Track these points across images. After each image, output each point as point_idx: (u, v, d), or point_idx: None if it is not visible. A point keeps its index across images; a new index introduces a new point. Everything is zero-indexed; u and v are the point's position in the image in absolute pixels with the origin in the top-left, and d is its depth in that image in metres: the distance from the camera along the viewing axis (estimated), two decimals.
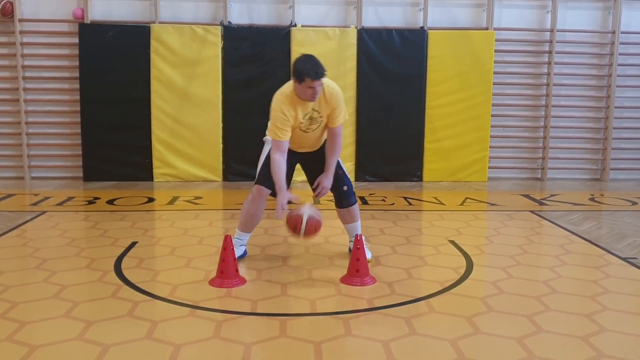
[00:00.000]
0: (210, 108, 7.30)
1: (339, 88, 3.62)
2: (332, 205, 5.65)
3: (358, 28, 7.39)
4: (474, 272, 3.67)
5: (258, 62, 7.30)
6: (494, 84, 7.54)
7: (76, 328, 2.70)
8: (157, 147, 7.31)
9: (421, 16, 7.53)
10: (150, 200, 6.19)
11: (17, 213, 5.32)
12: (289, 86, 3.52)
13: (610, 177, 7.97)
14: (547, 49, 7.76)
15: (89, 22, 7.25)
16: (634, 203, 6.24)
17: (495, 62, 7.49)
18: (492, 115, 7.59)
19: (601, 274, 3.66)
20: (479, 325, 2.80)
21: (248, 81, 7.30)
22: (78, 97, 7.30)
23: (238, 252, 3.79)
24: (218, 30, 7.22)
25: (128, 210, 5.54)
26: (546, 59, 7.77)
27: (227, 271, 3.36)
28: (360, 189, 6.76)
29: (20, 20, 7.29)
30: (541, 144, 7.94)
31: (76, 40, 7.24)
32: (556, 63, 7.72)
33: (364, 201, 6.03)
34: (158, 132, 7.28)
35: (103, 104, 7.22)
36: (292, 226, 3.46)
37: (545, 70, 7.80)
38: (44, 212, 5.34)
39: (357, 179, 7.42)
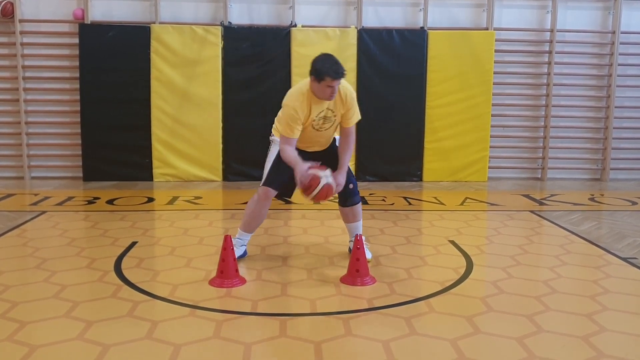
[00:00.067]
0: (210, 108, 7.30)
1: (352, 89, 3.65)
2: (333, 205, 5.66)
3: (358, 28, 7.39)
4: (474, 272, 3.67)
5: (258, 62, 7.31)
6: (494, 84, 7.54)
7: (76, 328, 2.70)
8: (157, 147, 7.31)
9: (421, 16, 7.54)
10: (150, 200, 6.19)
11: (17, 213, 5.32)
12: (305, 84, 3.53)
13: (610, 177, 7.97)
14: (547, 49, 7.76)
15: (89, 22, 7.25)
16: (634, 203, 6.24)
17: (495, 62, 7.49)
18: (492, 115, 7.59)
19: (601, 274, 3.66)
20: (479, 325, 2.80)
21: (248, 81, 7.30)
22: (78, 97, 7.30)
23: (238, 252, 3.79)
24: (218, 31, 7.22)
25: (128, 210, 5.54)
26: (546, 59, 7.77)
27: (227, 271, 3.36)
28: (360, 188, 6.72)
29: (21, 21, 7.29)
30: (541, 144, 7.95)
31: (76, 40, 7.24)
32: (556, 63, 7.72)
33: (363, 201, 6.02)
34: (158, 132, 7.28)
35: (103, 104, 7.22)
36: (307, 185, 3.40)
37: (545, 70, 7.81)
38: (44, 212, 5.34)
39: (357, 178, 7.37)
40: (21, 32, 7.32)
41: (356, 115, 3.69)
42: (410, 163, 7.58)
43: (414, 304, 3.09)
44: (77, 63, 7.25)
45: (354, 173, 4.55)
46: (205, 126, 7.32)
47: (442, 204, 6.07)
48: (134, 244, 4.25)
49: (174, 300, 3.09)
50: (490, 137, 7.62)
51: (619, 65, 7.77)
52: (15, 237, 4.46)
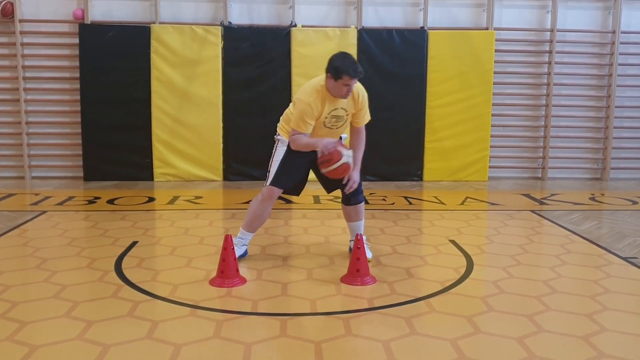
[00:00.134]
0: (211, 108, 7.30)
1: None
2: (333, 205, 5.66)
3: (358, 28, 7.39)
4: (475, 271, 3.67)
5: (258, 62, 7.31)
6: (494, 83, 7.54)
7: (76, 328, 2.70)
8: (158, 147, 7.31)
9: (421, 16, 7.53)
10: (151, 199, 6.19)
11: (18, 213, 5.33)
12: (319, 81, 3.54)
13: (611, 177, 7.97)
14: (547, 48, 7.76)
15: (89, 22, 7.25)
16: (635, 202, 6.24)
17: (496, 62, 7.49)
18: (493, 115, 7.59)
19: (601, 274, 3.65)
20: (479, 325, 2.79)
21: (248, 81, 7.31)
22: (78, 97, 7.30)
23: (239, 251, 3.79)
24: (218, 31, 7.22)
25: (128, 209, 5.54)
26: (546, 59, 7.77)
27: (227, 271, 3.36)
28: None
29: (21, 21, 7.29)
30: (541, 144, 7.94)
31: (76, 40, 7.24)
32: (556, 63, 7.72)
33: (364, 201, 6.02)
34: (158, 132, 7.28)
35: (103, 104, 7.22)
36: (328, 157, 3.42)
37: (546, 70, 7.80)
38: (44, 212, 5.35)
39: None
40: (21, 32, 7.32)
41: (367, 116, 3.76)
42: (410, 163, 7.59)
43: (414, 303, 3.09)
44: (77, 63, 7.26)
45: None
46: (206, 126, 7.32)
47: (443, 203, 6.07)
48: (134, 243, 4.25)
49: (175, 300, 3.09)
50: (491, 136, 7.62)
51: (619, 65, 7.76)
52: (15, 237, 4.46)
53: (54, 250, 4.05)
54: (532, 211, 5.68)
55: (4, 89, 7.45)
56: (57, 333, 2.65)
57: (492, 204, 6.18)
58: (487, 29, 7.54)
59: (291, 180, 3.74)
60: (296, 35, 7.25)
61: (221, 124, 7.36)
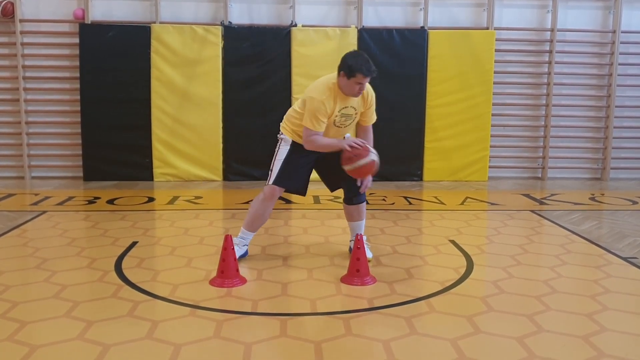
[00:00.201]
0: (211, 108, 7.30)
1: None
2: (333, 205, 5.66)
3: (358, 28, 7.39)
4: (475, 271, 3.67)
5: (258, 62, 7.31)
6: (495, 83, 7.54)
7: (76, 328, 2.70)
8: (157, 147, 7.31)
9: (421, 16, 7.53)
10: (151, 200, 6.19)
11: (18, 213, 5.33)
12: (330, 78, 3.54)
13: (611, 177, 7.97)
14: (547, 48, 7.76)
15: (89, 22, 7.25)
16: (635, 202, 6.24)
17: (496, 61, 7.49)
18: (493, 115, 7.59)
19: (602, 274, 3.65)
20: (479, 325, 2.79)
21: (248, 81, 7.31)
22: (78, 97, 7.30)
23: (240, 251, 3.78)
24: (218, 30, 7.22)
25: (128, 210, 5.54)
26: (546, 59, 7.77)
27: (227, 271, 3.36)
28: None
29: (21, 21, 7.29)
30: (541, 144, 7.94)
31: (77, 40, 7.24)
32: (556, 62, 7.72)
33: None
34: (158, 131, 7.28)
35: (103, 103, 7.22)
36: (357, 152, 3.45)
37: (546, 70, 7.80)
38: (44, 212, 5.35)
39: None
40: (21, 32, 7.32)
41: (374, 115, 3.78)
42: (410, 163, 7.58)
43: (414, 303, 3.09)
44: (77, 63, 7.26)
45: None
46: (206, 126, 7.32)
47: (443, 203, 6.07)
48: (134, 243, 4.25)
49: (175, 300, 3.09)
50: (491, 136, 7.62)
51: (620, 64, 7.76)
52: (15, 237, 4.46)
53: (54, 250, 4.05)
54: (532, 211, 5.68)
55: (4, 89, 7.45)
56: (57, 333, 2.65)
57: (492, 204, 6.18)
58: (487, 28, 7.54)
59: (293, 179, 3.73)
60: (296, 35, 7.25)
61: (221, 124, 7.36)
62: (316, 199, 5.97)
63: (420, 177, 7.63)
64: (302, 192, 3.81)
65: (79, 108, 7.32)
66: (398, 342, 2.60)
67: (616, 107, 7.84)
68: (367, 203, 3.89)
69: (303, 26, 7.35)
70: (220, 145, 7.39)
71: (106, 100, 7.21)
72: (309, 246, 4.23)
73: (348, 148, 3.48)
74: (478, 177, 7.63)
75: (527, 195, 6.58)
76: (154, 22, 7.27)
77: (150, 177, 7.36)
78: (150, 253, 4.05)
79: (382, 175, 7.47)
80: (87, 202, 5.98)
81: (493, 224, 5.16)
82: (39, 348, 2.49)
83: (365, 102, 3.65)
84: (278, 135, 3.78)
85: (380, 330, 2.73)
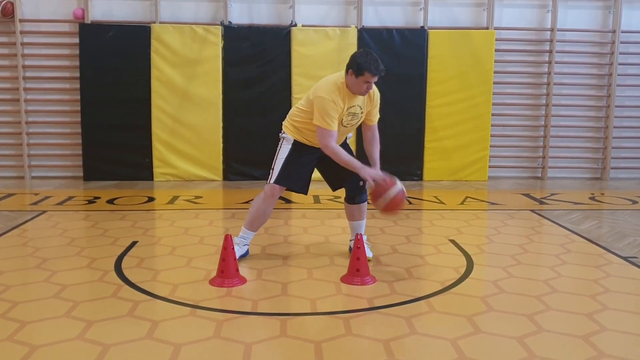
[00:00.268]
0: (211, 108, 7.30)
1: None
2: (333, 205, 5.66)
3: (358, 28, 7.39)
4: (475, 271, 3.67)
5: (258, 62, 7.30)
6: (495, 83, 7.54)
7: (76, 328, 2.70)
8: (158, 147, 7.31)
9: (421, 16, 7.53)
10: (151, 199, 6.19)
11: (18, 212, 5.33)
12: (338, 77, 3.53)
13: (611, 176, 7.97)
14: (547, 48, 7.76)
15: (89, 22, 7.25)
16: (635, 202, 6.24)
17: (496, 61, 7.49)
18: (493, 115, 7.59)
19: (601, 273, 3.65)
20: (479, 325, 2.79)
21: (248, 81, 7.31)
22: (78, 97, 7.30)
23: (241, 250, 3.78)
24: (218, 30, 7.22)
25: (128, 209, 5.54)
26: (546, 59, 7.76)
27: (227, 271, 3.36)
28: None
29: (21, 21, 7.29)
30: (541, 143, 7.94)
31: (76, 40, 7.24)
32: (556, 62, 7.72)
33: None
34: (158, 131, 7.28)
35: (103, 103, 7.22)
36: (384, 186, 3.46)
37: (546, 70, 7.80)
38: (44, 212, 5.35)
39: None
40: (21, 32, 7.32)
41: (378, 114, 3.79)
42: (410, 162, 7.58)
43: (414, 303, 3.09)
44: (77, 63, 7.26)
45: None
46: (206, 126, 7.32)
47: (443, 203, 6.07)
48: (134, 243, 4.25)
49: (175, 300, 3.09)
50: (491, 136, 7.62)
51: (620, 64, 7.76)
52: (15, 237, 4.46)
53: (54, 250, 4.05)
54: (532, 211, 5.68)
55: (4, 89, 7.45)
56: (57, 333, 2.65)
57: (492, 203, 6.18)
58: (487, 28, 7.54)
59: (295, 178, 3.72)
60: (296, 35, 7.24)
61: (221, 124, 7.35)
62: (316, 199, 5.97)
63: (420, 177, 7.63)
64: (304, 191, 3.80)
65: (79, 108, 7.32)
66: (398, 342, 2.60)
67: (616, 107, 7.84)
68: (368, 203, 3.89)
69: (303, 26, 7.35)
70: (220, 145, 7.39)
71: (106, 100, 7.21)
72: (309, 246, 4.23)
73: (369, 184, 3.49)
74: (478, 176, 7.63)
75: (527, 195, 6.58)
76: (154, 22, 7.27)
77: (150, 177, 7.36)
78: (150, 253, 4.05)
79: None
80: (87, 202, 5.98)
81: (493, 224, 5.16)
82: (39, 348, 2.49)
83: (371, 101, 3.66)
84: (280, 134, 3.78)
85: (380, 330, 2.73)
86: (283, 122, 3.79)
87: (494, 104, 7.57)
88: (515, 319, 2.89)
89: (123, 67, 7.17)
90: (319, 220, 5.07)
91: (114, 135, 7.28)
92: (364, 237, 3.87)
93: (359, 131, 3.91)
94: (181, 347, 2.51)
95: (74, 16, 7.27)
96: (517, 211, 5.68)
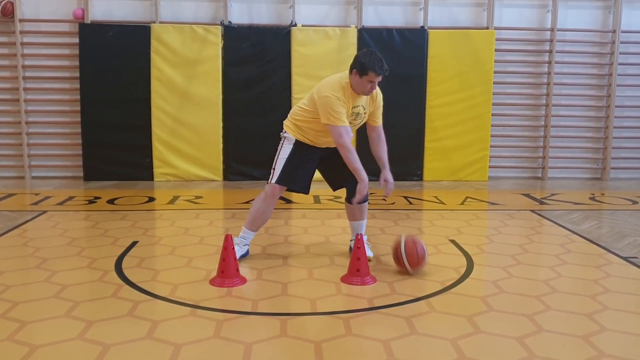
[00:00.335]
0: (211, 108, 7.30)
1: None
2: (333, 205, 5.66)
3: (358, 27, 7.39)
4: (475, 271, 3.67)
5: (258, 62, 7.31)
6: (495, 83, 7.54)
7: (77, 328, 2.70)
8: (158, 147, 7.31)
9: (421, 16, 7.53)
10: (151, 199, 6.19)
11: (18, 213, 5.33)
12: (342, 77, 3.54)
13: (611, 176, 7.97)
14: (547, 48, 7.76)
15: (89, 22, 7.26)
16: (635, 202, 6.24)
17: (496, 61, 7.49)
18: (493, 115, 7.60)
19: (602, 273, 3.65)
20: (479, 325, 2.79)
21: (248, 81, 7.31)
22: (78, 97, 7.30)
23: (241, 250, 3.78)
24: (218, 30, 7.22)
25: (128, 209, 5.54)
26: (547, 59, 7.77)
27: (227, 271, 3.36)
28: None
29: (21, 21, 7.29)
30: (542, 143, 7.94)
31: (76, 40, 7.24)
32: (557, 62, 7.72)
33: None
34: (158, 131, 7.28)
35: (103, 103, 7.22)
36: (422, 257, 3.54)
37: (546, 70, 7.80)
38: (44, 212, 5.35)
39: None
40: (21, 32, 7.32)
41: (381, 115, 3.81)
42: (410, 162, 7.59)
43: (414, 303, 3.09)
44: (77, 63, 7.26)
45: None
46: (206, 126, 7.32)
47: (443, 203, 6.07)
48: (134, 243, 4.25)
49: (175, 300, 3.09)
50: (491, 136, 7.62)
51: (620, 64, 7.76)
52: (15, 237, 4.46)
53: (54, 250, 4.05)
54: (532, 211, 5.68)
55: (4, 89, 7.45)
56: (57, 333, 2.65)
57: (492, 203, 6.18)
58: (487, 28, 7.54)
59: (296, 178, 3.72)
60: (296, 35, 7.24)
61: (221, 124, 7.36)
62: (316, 199, 5.97)
63: (420, 177, 7.63)
64: (305, 191, 3.79)
65: (79, 108, 7.32)
66: (398, 342, 2.60)
67: (616, 107, 7.84)
68: (368, 203, 3.89)
69: (303, 26, 7.35)
70: (220, 145, 7.39)
71: (106, 100, 7.21)
72: (309, 246, 4.23)
73: (363, 191, 3.56)
74: (478, 177, 7.63)
75: (527, 195, 6.58)
76: (154, 22, 7.27)
77: (150, 177, 7.36)
78: (150, 253, 4.05)
79: None
80: (87, 202, 5.98)
81: (493, 224, 5.16)
82: (39, 348, 2.49)
83: (374, 101, 3.67)
84: (281, 133, 3.77)
85: (380, 330, 2.73)
86: (284, 121, 3.78)
87: (494, 104, 7.58)
88: (515, 319, 2.89)
89: (123, 67, 7.17)
90: (319, 220, 5.07)
91: (114, 135, 7.28)
92: (365, 237, 3.87)
93: (359, 131, 3.91)
94: (181, 347, 2.51)
95: (73, 16, 7.28)
96: (517, 211, 5.68)
